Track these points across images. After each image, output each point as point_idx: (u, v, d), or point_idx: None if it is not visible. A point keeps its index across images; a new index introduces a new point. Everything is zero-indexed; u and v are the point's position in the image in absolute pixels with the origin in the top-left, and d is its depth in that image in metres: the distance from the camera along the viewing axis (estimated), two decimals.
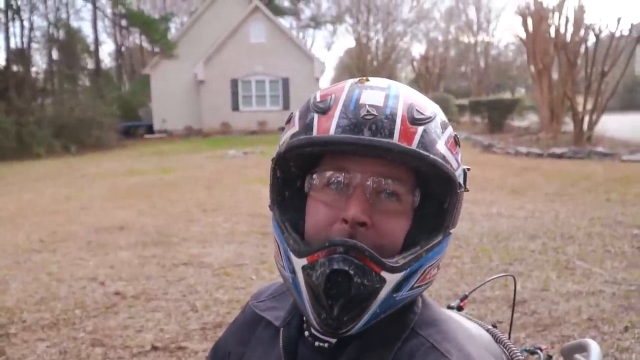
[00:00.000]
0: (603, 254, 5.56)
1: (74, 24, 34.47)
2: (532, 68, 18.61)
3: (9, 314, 4.46)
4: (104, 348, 3.80)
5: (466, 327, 1.08)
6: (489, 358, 0.88)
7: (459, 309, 1.59)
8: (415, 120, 0.79)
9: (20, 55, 26.68)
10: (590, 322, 3.94)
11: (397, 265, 0.79)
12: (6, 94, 22.75)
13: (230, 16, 26.95)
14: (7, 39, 26.57)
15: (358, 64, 42.87)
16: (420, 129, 0.79)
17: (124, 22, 33.61)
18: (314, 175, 0.84)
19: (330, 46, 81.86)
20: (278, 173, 0.87)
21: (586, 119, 15.89)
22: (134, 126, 28.78)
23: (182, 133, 27.25)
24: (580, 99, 16.37)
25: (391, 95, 0.81)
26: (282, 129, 0.90)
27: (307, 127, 0.81)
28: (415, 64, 39.78)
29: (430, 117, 0.81)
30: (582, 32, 16.55)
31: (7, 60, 26.41)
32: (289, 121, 0.87)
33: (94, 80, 31.46)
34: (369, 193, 0.80)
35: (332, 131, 0.78)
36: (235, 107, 27.64)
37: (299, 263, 0.81)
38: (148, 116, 29.47)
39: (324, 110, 0.80)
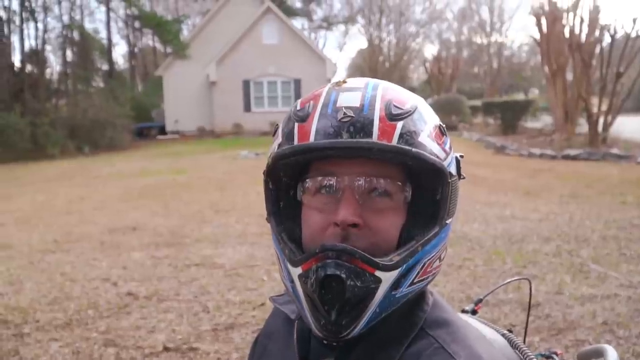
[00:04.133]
0: (618, 257, 5.50)
1: (88, 25, 34.68)
2: (546, 69, 18.51)
3: (23, 314, 4.49)
4: (116, 348, 3.81)
5: (480, 331, 1.06)
6: (500, 359, 0.86)
7: (474, 312, 1.58)
8: (393, 116, 0.79)
9: (34, 57, 26.89)
10: (605, 326, 3.89)
11: (391, 263, 0.78)
12: (21, 95, 22.99)
13: (242, 17, 27.03)
14: (21, 40, 26.80)
15: (370, 65, 42.84)
16: (399, 124, 0.79)
17: (137, 24, 33.84)
18: (304, 183, 0.85)
19: (342, 47, 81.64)
20: (270, 185, 0.88)
21: (601, 120, 15.78)
22: (147, 127, 28.95)
23: (194, 134, 27.36)
24: (595, 100, 16.25)
25: (368, 94, 0.81)
26: None
27: (289, 136, 0.82)
28: (427, 65, 39.72)
29: (410, 110, 0.81)
30: (597, 32, 16.44)
31: (22, 61, 26.66)
32: (274, 133, 0.88)
33: (107, 81, 31.66)
34: (358, 194, 0.80)
35: (311, 138, 0.79)
36: (247, 108, 27.71)
37: (296, 272, 0.81)
38: (161, 117, 29.64)
39: (303, 118, 0.81)
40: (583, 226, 6.79)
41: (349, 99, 0.80)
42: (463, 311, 1.54)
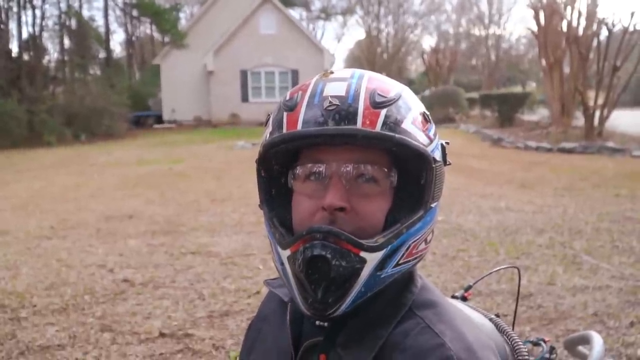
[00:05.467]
0: (611, 249, 5.55)
1: (86, 13, 34.52)
2: (544, 62, 18.52)
3: (20, 298, 4.53)
4: (112, 333, 3.85)
5: (467, 314, 1.09)
6: (485, 341, 0.89)
7: (463, 299, 1.60)
8: (377, 104, 0.82)
9: (32, 44, 26.74)
10: (595, 317, 3.95)
11: (375, 244, 0.81)
12: (18, 82, 22.87)
13: (240, 7, 26.90)
14: (19, 27, 26.65)
15: (368, 56, 42.79)
16: (383, 111, 0.82)
17: (134, 12, 33.62)
18: (294, 170, 0.88)
19: (340, 38, 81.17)
20: (262, 172, 0.92)
21: (597, 113, 15.82)
22: (144, 116, 28.84)
23: (191, 123, 27.30)
24: (591, 94, 16.29)
25: (353, 83, 0.84)
26: None
27: (278, 125, 0.85)
28: (425, 56, 39.62)
29: (394, 98, 0.84)
30: (594, 26, 16.45)
31: (20, 48, 26.50)
32: (266, 122, 0.91)
33: (104, 69, 31.52)
34: (345, 180, 0.83)
35: (299, 126, 0.82)
36: (245, 98, 27.64)
37: (285, 254, 0.85)
38: (158, 106, 29.54)
39: (292, 108, 0.84)
40: (577, 218, 6.84)
41: (335, 89, 0.83)
42: (453, 297, 1.57)
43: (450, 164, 0.93)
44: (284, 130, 0.84)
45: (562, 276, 4.77)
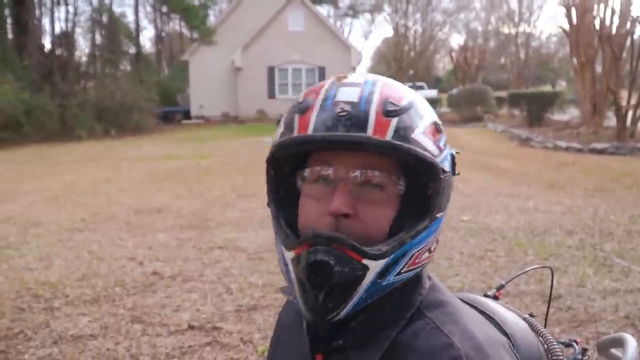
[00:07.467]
0: None
1: (117, 9, 35.03)
2: (575, 61, 18.25)
3: (53, 288, 4.63)
4: (142, 325, 3.92)
5: (499, 310, 1.10)
6: (496, 337, 0.89)
7: (495, 298, 1.60)
8: (388, 112, 0.81)
9: (64, 40, 27.25)
10: (627, 320, 3.89)
11: (378, 252, 0.81)
12: (51, 77, 23.32)
13: (268, 4, 27.03)
14: (52, 22, 27.22)
15: (395, 54, 42.62)
16: (394, 120, 0.81)
17: (164, 8, 34.01)
18: (303, 172, 0.88)
19: (368, 35, 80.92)
20: (272, 172, 0.92)
21: (630, 114, 15.54)
22: (172, 111, 29.20)
23: (218, 119, 27.54)
24: (624, 94, 16.01)
25: (366, 90, 0.84)
26: None
27: (289, 127, 0.86)
28: (453, 54, 39.28)
29: (406, 107, 0.83)
30: (628, 24, 16.15)
31: (52, 43, 27.03)
32: (278, 122, 0.91)
33: (134, 65, 31.97)
34: (352, 185, 0.83)
35: (310, 130, 0.82)
36: (272, 95, 27.79)
37: (289, 256, 0.85)
38: (186, 102, 29.88)
39: (303, 111, 0.84)
40: (608, 220, 6.73)
41: (348, 94, 0.83)
42: (485, 296, 1.56)
43: (459, 174, 0.92)
44: (295, 133, 0.84)
45: (592, 278, 4.70)
